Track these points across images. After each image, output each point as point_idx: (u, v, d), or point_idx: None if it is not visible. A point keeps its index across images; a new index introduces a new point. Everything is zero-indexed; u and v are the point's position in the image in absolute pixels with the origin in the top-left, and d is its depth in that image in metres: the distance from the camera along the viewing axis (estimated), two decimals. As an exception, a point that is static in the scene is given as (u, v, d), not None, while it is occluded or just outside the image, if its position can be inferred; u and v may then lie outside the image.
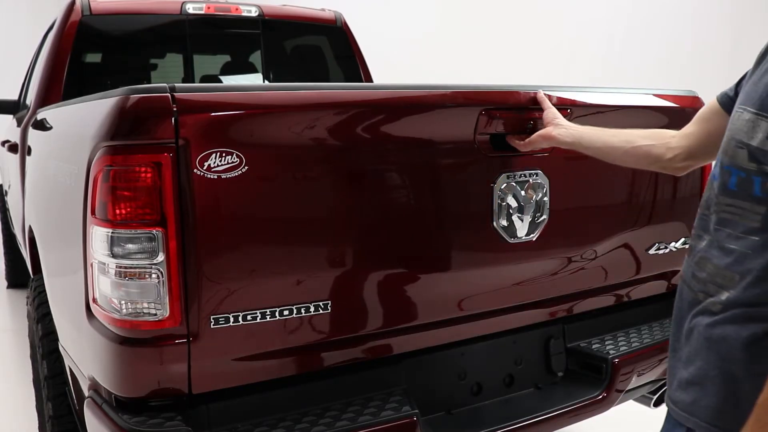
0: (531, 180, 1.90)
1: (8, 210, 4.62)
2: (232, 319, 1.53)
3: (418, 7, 7.43)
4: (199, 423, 1.55)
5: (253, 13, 3.67)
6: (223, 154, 1.45)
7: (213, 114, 1.47)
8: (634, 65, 5.25)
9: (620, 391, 2.07)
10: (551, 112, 1.81)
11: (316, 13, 3.98)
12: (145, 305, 1.46)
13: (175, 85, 1.44)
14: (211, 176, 1.44)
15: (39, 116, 2.75)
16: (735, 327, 1.14)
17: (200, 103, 1.47)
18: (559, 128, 1.76)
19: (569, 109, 1.95)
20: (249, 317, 1.54)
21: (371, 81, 4.03)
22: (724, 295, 1.16)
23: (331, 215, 1.64)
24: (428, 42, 7.13)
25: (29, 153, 2.81)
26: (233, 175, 1.46)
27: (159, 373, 1.51)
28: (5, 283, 5.58)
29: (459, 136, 1.80)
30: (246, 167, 1.47)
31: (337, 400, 1.72)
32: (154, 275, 1.45)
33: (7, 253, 5.45)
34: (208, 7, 3.58)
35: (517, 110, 1.86)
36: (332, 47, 3.99)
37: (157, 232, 1.43)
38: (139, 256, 1.44)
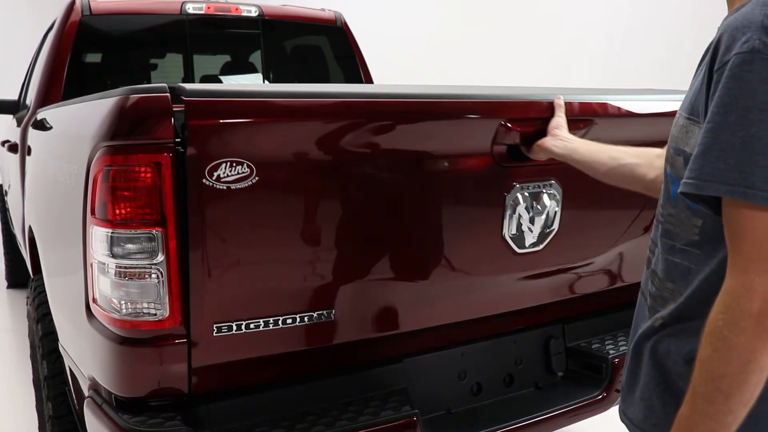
0: (545, 190, 1.86)
1: (8, 210, 4.62)
2: (235, 328, 1.52)
3: (418, 7, 7.43)
4: (199, 423, 1.55)
5: (253, 13, 3.67)
6: (233, 164, 1.42)
7: (223, 121, 1.43)
8: (634, 65, 5.24)
9: (620, 391, 2.07)
10: (556, 120, 1.76)
11: (316, 13, 3.98)
12: (145, 305, 1.46)
13: (185, 88, 1.40)
14: (220, 186, 1.41)
15: (39, 116, 2.74)
16: (677, 342, 1.10)
17: (211, 109, 1.42)
18: (556, 139, 1.71)
19: (592, 119, 1.87)
20: (252, 326, 1.54)
21: (371, 81, 4.03)
22: (668, 310, 1.13)
23: (342, 225, 1.61)
24: (428, 42, 7.12)
25: (29, 153, 2.80)
26: (243, 185, 1.43)
27: (159, 373, 1.51)
28: (5, 283, 5.57)
29: (476, 148, 1.75)
30: (256, 177, 1.44)
31: (337, 400, 1.72)
32: (153, 275, 1.45)
33: (7, 253, 5.44)
34: (208, 7, 3.57)
35: (537, 121, 1.79)
36: (332, 47, 3.99)
37: (156, 232, 1.42)
38: (138, 256, 1.44)
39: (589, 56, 5.64)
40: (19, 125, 3.31)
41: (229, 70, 4.02)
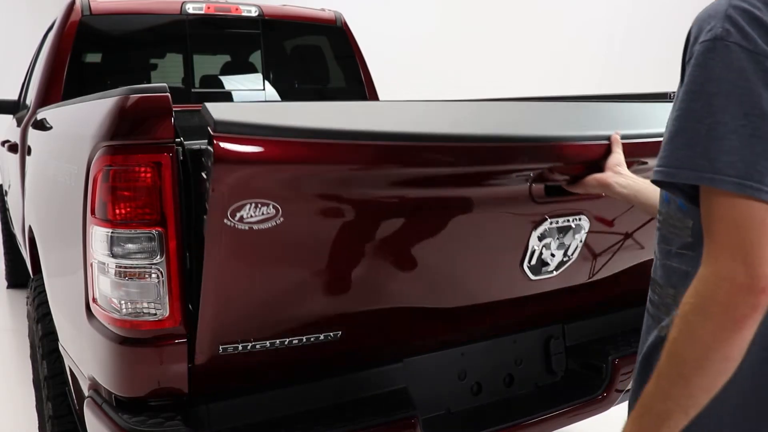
0: (573, 224, 1.81)
1: (8, 210, 4.62)
2: (241, 348, 1.52)
3: (418, 7, 7.43)
4: (199, 423, 1.55)
5: (253, 13, 3.67)
6: (258, 205, 1.32)
7: (254, 161, 1.31)
8: (634, 65, 5.25)
9: (620, 391, 2.07)
10: (616, 157, 1.66)
11: (316, 13, 3.98)
12: (145, 305, 1.46)
13: (213, 117, 1.25)
14: (242, 227, 1.33)
15: (39, 116, 2.74)
16: None
17: (243, 147, 1.28)
18: (619, 177, 1.61)
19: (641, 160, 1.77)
20: (258, 346, 1.54)
21: (371, 81, 4.03)
22: (671, 317, 1.08)
23: (363, 262, 1.58)
24: (428, 42, 7.13)
25: (29, 153, 2.80)
26: (266, 226, 1.35)
27: (159, 373, 1.51)
28: (5, 283, 5.58)
29: (514, 189, 1.67)
30: (281, 218, 1.36)
31: (338, 400, 1.72)
32: (153, 275, 1.44)
33: (7, 253, 5.44)
34: (208, 7, 3.58)
35: (587, 163, 1.69)
36: (332, 47, 3.99)
37: (156, 232, 1.42)
38: (138, 256, 1.44)
39: (589, 56, 5.65)
40: (19, 125, 3.31)
41: (229, 70, 4.02)
